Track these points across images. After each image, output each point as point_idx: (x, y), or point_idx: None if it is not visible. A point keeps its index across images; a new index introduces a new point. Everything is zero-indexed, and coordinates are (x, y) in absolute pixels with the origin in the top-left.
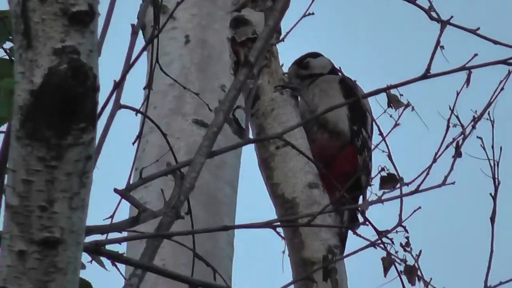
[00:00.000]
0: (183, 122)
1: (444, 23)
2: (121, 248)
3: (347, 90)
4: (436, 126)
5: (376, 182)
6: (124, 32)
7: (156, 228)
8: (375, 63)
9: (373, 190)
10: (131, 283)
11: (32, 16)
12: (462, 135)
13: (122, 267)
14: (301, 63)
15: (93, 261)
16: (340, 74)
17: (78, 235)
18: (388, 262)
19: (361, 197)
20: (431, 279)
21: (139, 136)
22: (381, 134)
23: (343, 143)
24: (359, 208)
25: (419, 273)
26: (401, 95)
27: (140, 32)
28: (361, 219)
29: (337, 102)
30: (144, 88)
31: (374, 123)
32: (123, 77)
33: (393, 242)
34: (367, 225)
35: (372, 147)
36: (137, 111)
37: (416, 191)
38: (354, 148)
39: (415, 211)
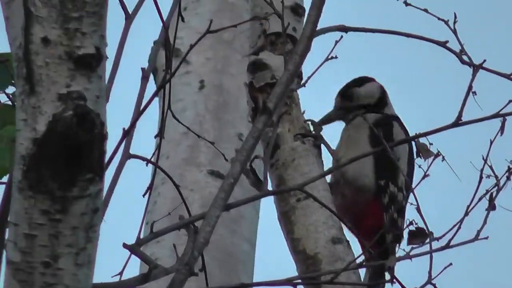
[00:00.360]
0: (197, 173)
1: (476, 67)
2: None
3: (377, 139)
4: (468, 177)
5: (404, 237)
6: (134, 77)
7: (168, 286)
8: (403, 110)
9: (401, 246)
10: None
11: (35, 60)
12: (496, 187)
13: None
14: (346, 94)
15: None
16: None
17: None
18: None
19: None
20: None
21: (150, 188)
22: (409, 185)
23: (367, 198)
24: (386, 265)
25: None
26: (431, 144)
27: (151, 77)
28: (388, 277)
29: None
30: (156, 137)
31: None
32: (132, 125)
33: None
34: (395, 282)
35: (405, 200)
36: (148, 161)
37: (447, 246)
38: (379, 204)
39: (445, 267)
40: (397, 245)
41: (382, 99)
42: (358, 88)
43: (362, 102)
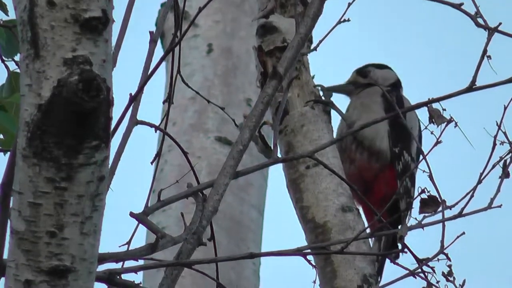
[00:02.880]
0: (205, 139)
1: (491, 30)
2: (137, 278)
3: (391, 105)
4: (481, 143)
5: (416, 205)
6: (142, 41)
7: (175, 255)
8: (416, 74)
9: (413, 214)
10: None
11: (40, 23)
12: (510, 154)
13: None
14: (362, 70)
15: None
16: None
17: (90, 264)
18: None
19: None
20: None
21: (157, 155)
22: (421, 152)
23: (383, 164)
24: (398, 234)
25: None
26: (444, 109)
27: (159, 41)
28: (399, 246)
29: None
30: (164, 102)
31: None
32: (140, 90)
33: (434, 271)
34: (406, 252)
35: (416, 169)
36: (156, 128)
37: (460, 215)
38: (394, 171)
39: (458, 237)
40: (408, 214)
41: (394, 85)
42: (376, 69)
43: (374, 82)
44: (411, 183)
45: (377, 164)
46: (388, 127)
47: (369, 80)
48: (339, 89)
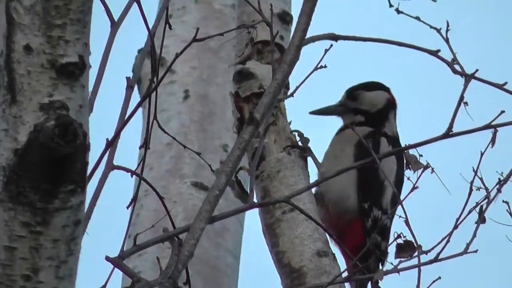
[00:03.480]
0: (181, 184)
1: (468, 77)
2: None
3: (362, 156)
4: (458, 189)
5: (392, 250)
6: (118, 86)
7: None
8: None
9: (389, 259)
10: None
11: (17, 68)
12: (486, 199)
13: None
14: (352, 93)
15: None
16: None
17: None
18: None
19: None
20: None
21: (133, 200)
22: (398, 198)
23: (351, 220)
24: (373, 279)
25: None
26: (421, 155)
27: (136, 87)
28: None
29: (345, 176)
30: (140, 148)
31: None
32: (116, 135)
33: None
34: None
35: (392, 216)
36: (132, 173)
37: (436, 260)
38: (362, 227)
39: (434, 281)
40: (381, 263)
41: (383, 111)
42: (365, 91)
43: (362, 107)
44: (381, 238)
45: (345, 219)
46: (358, 181)
47: (357, 105)
48: (327, 111)
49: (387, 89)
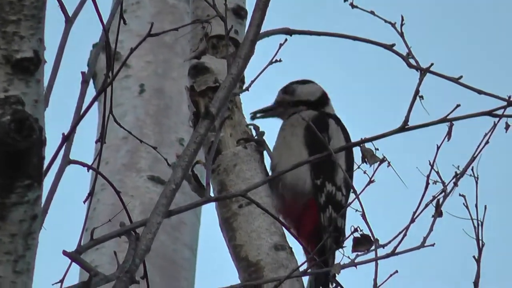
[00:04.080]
0: (138, 178)
1: (423, 71)
2: None
3: (312, 138)
4: (414, 183)
5: (349, 243)
6: (74, 81)
7: None
8: (348, 114)
9: (346, 253)
10: None
11: None
12: (443, 193)
13: None
14: (287, 89)
15: None
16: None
17: None
18: None
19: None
20: None
21: (90, 194)
22: (354, 191)
23: (306, 201)
24: (331, 272)
25: None
26: (377, 149)
27: (91, 81)
28: (332, 284)
29: (298, 156)
30: (96, 142)
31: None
32: (72, 130)
33: None
34: None
35: (348, 199)
36: (88, 167)
37: (393, 253)
38: (316, 205)
39: (391, 275)
40: (339, 248)
41: (322, 98)
42: (300, 85)
43: (302, 98)
44: (336, 213)
45: (301, 202)
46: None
47: (296, 97)
48: (268, 113)
49: (315, 83)
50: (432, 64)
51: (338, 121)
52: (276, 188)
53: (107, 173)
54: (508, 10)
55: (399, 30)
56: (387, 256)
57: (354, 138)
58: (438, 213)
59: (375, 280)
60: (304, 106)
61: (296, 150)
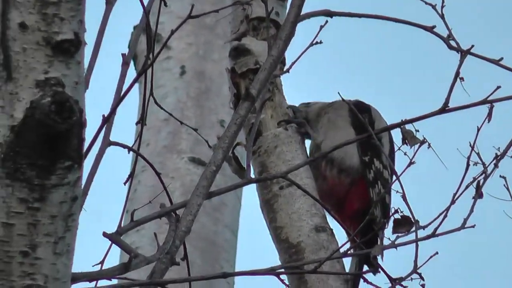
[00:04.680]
0: (179, 160)
1: (464, 53)
2: None
3: (357, 119)
4: (455, 164)
5: (389, 225)
6: (114, 63)
7: (148, 275)
8: (389, 95)
9: (386, 234)
10: None
11: (12, 46)
12: (483, 174)
13: None
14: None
15: None
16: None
17: (63, 283)
18: None
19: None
20: None
21: (130, 176)
22: (395, 173)
23: (354, 178)
24: (371, 254)
25: None
26: (417, 130)
27: (132, 63)
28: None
29: (345, 134)
30: (137, 124)
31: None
32: (112, 111)
33: None
34: (380, 272)
35: (391, 179)
36: (129, 149)
37: (433, 235)
38: (365, 182)
39: (431, 256)
40: (386, 223)
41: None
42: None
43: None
44: (386, 191)
45: (348, 179)
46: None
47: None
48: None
49: None
50: (472, 46)
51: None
52: (319, 168)
53: (148, 154)
54: None
55: (440, 12)
56: (428, 237)
57: (394, 120)
58: (479, 194)
59: (415, 261)
60: None
61: (342, 128)
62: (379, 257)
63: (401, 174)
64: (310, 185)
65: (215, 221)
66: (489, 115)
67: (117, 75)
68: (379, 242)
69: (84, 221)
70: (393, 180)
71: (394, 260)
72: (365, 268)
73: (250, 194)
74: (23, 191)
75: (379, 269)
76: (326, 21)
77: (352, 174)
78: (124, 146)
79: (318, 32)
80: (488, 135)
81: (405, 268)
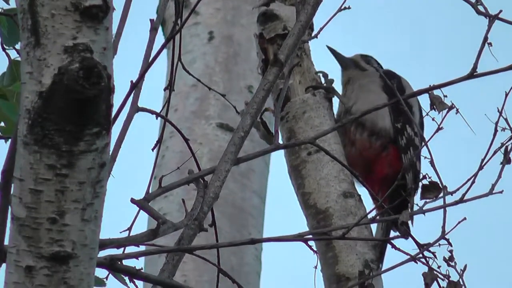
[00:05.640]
0: (207, 126)
1: (492, 18)
2: (138, 263)
3: (389, 85)
4: (483, 130)
5: (417, 191)
6: (142, 28)
7: (177, 241)
8: (417, 61)
9: (415, 200)
10: None
11: (41, 11)
12: (511, 140)
13: (140, 284)
14: (366, 57)
15: (109, 277)
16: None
17: (91, 250)
18: (430, 278)
19: (407, 204)
20: None
21: (158, 142)
22: (423, 138)
23: (385, 142)
24: (399, 220)
25: None
26: (445, 96)
27: (160, 28)
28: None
29: (376, 97)
30: (165, 89)
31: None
32: (141, 77)
33: (435, 256)
34: (408, 237)
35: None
36: (157, 114)
37: (461, 200)
38: (397, 148)
39: (459, 222)
40: (412, 196)
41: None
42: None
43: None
44: (416, 158)
45: (378, 142)
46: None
47: (368, 68)
48: (339, 57)
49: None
50: (501, 11)
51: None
52: (347, 133)
53: (176, 120)
54: None
55: None
56: (456, 203)
57: (422, 86)
58: (507, 160)
59: (443, 227)
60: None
61: (374, 92)
62: (410, 223)
63: (429, 140)
64: (338, 151)
65: (243, 187)
66: None
67: (145, 41)
68: (408, 208)
69: (112, 187)
70: (422, 146)
71: (422, 226)
72: (393, 234)
73: (278, 160)
74: (51, 157)
75: (407, 235)
76: None
77: (384, 137)
78: (152, 112)
79: None
80: None
81: (433, 234)
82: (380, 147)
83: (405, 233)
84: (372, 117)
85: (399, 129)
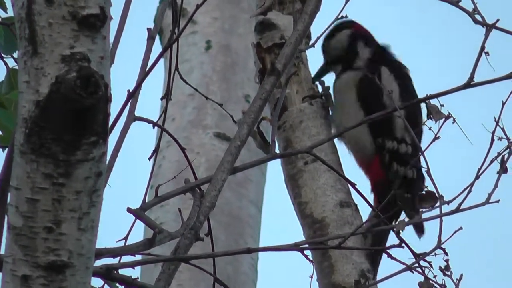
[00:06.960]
0: (204, 135)
1: (489, 27)
2: (134, 273)
3: (366, 94)
4: (479, 139)
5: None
6: (140, 38)
7: (173, 251)
8: (413, 70)
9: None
10: None
11: (38, 20)
12: (508, 149)
13: None
14: (322, 47)
15: (105, 287)
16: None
17: (87, 259)
18: (426, 287)
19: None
20: None
21: (155, 151)
22: (419, 148)
23: (371, 159)
24: (395, 229)
25: None
26: (442, 105)
27: (157, 38)
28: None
29: (353, 117)
30: (162, 99)
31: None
32: (138, 86)
33: (431, 266)
34: (403, 247)
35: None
36: (154, 124)
37: (457, 210)
38: (381, 164)
39: (456, 231)
40: (414, 197)
41: (350, 48)
42: (329, 41)
43: (333, 57)
44: (403, 165)
45: (366, 158)
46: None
47: (331, 56)
48: (320, 74)
49: (348, 26)
50: (498, 20)
51: (393, 67)
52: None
53: (173, 130)
54: None
55: None
56: (452, 212)
57: (419, 95)
58: (503, 169)
59: (439, 236)
60: (340, 63)
61: (352, 112)
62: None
63: (425, 149)
64: (335, 160)
65: (239, 196)
66: None
67: (142, 50)
68: (404, 218)
69: (108, 196)
70: (418, 155)
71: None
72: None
73: (274, 169)
74: (48, 166)
75: (403, 244)
76: None
77: (369, 157)
78: (149, 121)
79: (344, 6)
80: None
81: (429, 243)
82: (368, 164)
83: (400, 243)
84: (356, 141)
85: (380, 144)
